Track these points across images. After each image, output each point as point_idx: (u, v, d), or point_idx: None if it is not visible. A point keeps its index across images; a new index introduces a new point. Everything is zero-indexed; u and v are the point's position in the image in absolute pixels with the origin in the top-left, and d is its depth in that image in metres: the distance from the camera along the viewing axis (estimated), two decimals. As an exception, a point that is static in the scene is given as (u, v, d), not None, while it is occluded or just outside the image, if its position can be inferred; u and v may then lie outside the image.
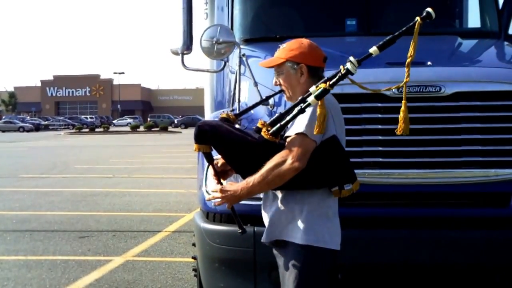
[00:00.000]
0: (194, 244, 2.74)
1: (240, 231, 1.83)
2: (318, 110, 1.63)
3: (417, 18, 1.64)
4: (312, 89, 1.67)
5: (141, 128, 39.68)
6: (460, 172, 2.25)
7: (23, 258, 4.24)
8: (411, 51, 1.65)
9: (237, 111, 2.29)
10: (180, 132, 34.32)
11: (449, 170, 2.26)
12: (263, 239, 1.82)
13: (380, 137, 2.26)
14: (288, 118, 1.69)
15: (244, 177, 1.74)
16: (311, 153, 1.66)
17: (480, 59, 2.86)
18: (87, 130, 38.24)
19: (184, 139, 22.94)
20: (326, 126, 1.67)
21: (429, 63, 2.27)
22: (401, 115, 1.73)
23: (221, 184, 1.82)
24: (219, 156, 1.86)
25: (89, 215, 5.94)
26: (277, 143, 1.70)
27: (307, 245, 1.72)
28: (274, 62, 1.82)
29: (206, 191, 2.39)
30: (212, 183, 2.03)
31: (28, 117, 50.89)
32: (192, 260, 3.14)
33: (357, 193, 1.83)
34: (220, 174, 1.86)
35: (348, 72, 1.65)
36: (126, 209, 6.34)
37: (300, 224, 1.73)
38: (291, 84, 1.79)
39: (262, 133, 1.71)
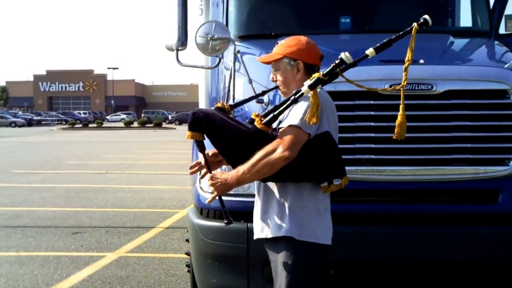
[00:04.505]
0: (187, 240, 2.75)
1: (225, 221, 1.83)
2: (311, 100, 1.65)
3: (414, 24, 1.67)
4: (307, 82, 1.69)
5: (135, 124, 39.46)
6: (450, 169, 2.29)
7: (15, 254, 4.22)
8: (408, 55, 1.68)
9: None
10: (174, 129, 34.20)
11: (440, 167, 2.29)
12: (255, 236, 1.83)
13: (372, 135, 2.28)
14: (281, 108, 1.71)
15: (235, 168, 1.75)
16: (303, 145, 1.67)
17: (471, 58, 2.89)
18: (80, 125, 37.95)
19: (178, 136, 22.86)
20: (320, 120, 1.69)
21: (421, 61, 2.30)
22: (398, 119, 1.75)
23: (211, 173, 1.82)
24: (212, 148, 1.87)
25: (82, 211, 5.92)
26: (269, 134, 1.72)
27: (299, 240, 1.74)
28: (272, 58, 1.84)
29: (200, 187, 2.40)
30: (205, 179, 2.04)
31: (20, 112, 50.27)
32: (186, 256, 3.16)
33: (349, 190, 1.85)
34: (211, 164, 1.86)
35: (342, 61, 1.67)
36: (120, 205, 6.33)
37: (291, 219, 1.75)
38: (287, 80, 1.81)
39: (255, 123, 1.72)
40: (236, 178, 1.71)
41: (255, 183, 1.86)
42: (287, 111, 1.73)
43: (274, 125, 1.75)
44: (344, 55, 1.67)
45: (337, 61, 1.68)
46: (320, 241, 1.76)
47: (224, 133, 1.75)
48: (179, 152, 13.41)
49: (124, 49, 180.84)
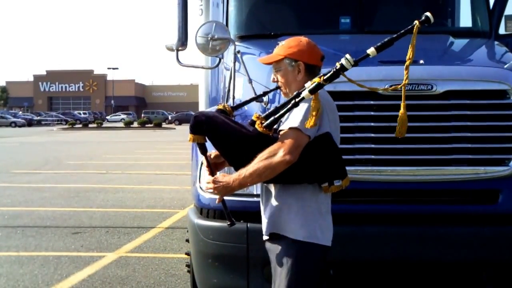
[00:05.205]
0: (187, 240, 2.75)
1: (228, 223, 1.84)
2: (312, 104, 1.65)
3: (416, 21, 1.66)
4: (307, 85, 1.69)
5: (135, 124, 39.50)
6: (450, 170, 2.29)
7: (15, 254, 4.22)
8: (409, 53, 1.68)
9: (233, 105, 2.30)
10: (174, 129, 34.21)
11: (440, 167, 2.29)
12: (264, 237, 1.83)
13: (372, 135, 2.28)
14: (282, 111, 1.71)
15: (237, 170, 1.76)
16: (304, 147, 1.68)
17: (471, 58, 2.90)
18: (80, 125, 37.97)
19: (178, 136, 22.87)
20: (321, 122, 1.69)
21: (421, 61, 2.30)
22: (400, 117, 1.75)
23: (213, 176, 1.83)
24: (214, 150, 1.88)
25: (82, 211, 5.92)
26: (270, 136, 1.72)
27: (299, 241, 1.74)
28: (273, 59, 1.85)
29: (200, 188, 2.40)
30: (205, 178, 2.04)
31: (20, 112, 50.30)
32: (186, 256, 3.16)
33: (349, 190, 1.85)
34: (213, 166, 1.87)
35: (342, 67, 1.67)
36: (120, 205, 6.33)
37: (292, 219, 1.75)
38: (288, 81, 1.81)
39: (256, 126, 1.73)
40: (238, 181, 1.71)
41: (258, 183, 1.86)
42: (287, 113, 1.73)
43: (275, 126, 1.76)
44: (345, 61, 1.65)
45: (338, 67, 1.67)
46: (320, 241, 1.76)
47: (226, 136, 1.76)
48: (179, 152, 13.42)
49: (124, 49, 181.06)
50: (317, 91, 1.67)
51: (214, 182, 1.77)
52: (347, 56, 1.66)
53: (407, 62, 1.68)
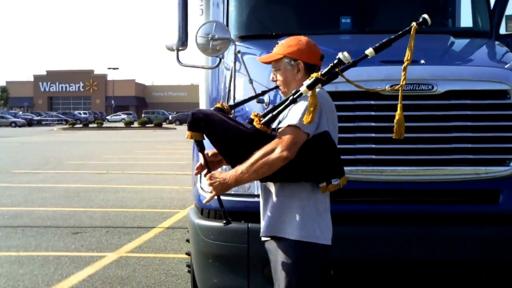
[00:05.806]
0: (188, 240, 2.75)
1: (224, 221, 1.83)
2: (309, 100, 1.65)
3: (413, 23, 1.67)
4: (306, 82, 1.70)
5: (135, 124, 39.54)
6: (451, 170, 2.29)
7: (15, 254, 4.22)
8: (408, 55, 1.68)
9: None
10: (175, 129, 34.23)
11: (441, 167, 2.29)
12: (261, 235, 1.83)
13: (373, 135, 2.28)
14: (280, 108, 1.71)
15: (234, 168, 1.75)
16: (302, 145, 1.68)
17: (472, 58, 2.90)
18: (80, 125, 38.01)
19: (178, 136, 22.87)
20: (319, 120, 1.69)
21: (422, 61, 2.30)
22: (396, 118, 1.75)
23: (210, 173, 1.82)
24: (212, 148, 1.88)
25: (82, 211, 5.92)
26: (268, 134, 1.72)
27: (298, 241, 1.74)
28: (272, 58, 1.85)
29: (201, 188, 2.40)
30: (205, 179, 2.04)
31: (21, 112, 50.32)
32: (186, 256, 3.16)
33: (350, 190, 1.86)
34: (211, 164, 1.86)
35: (340, 62, 1.67)
36: (120, 205, 6.33)
37: (291, 219, 1.75)
38: (288, 80, 1.81)
39: (254, 123, 1.73)
40: (234, 178, 1.71)
41: (257, 183, 1.86)
42: (286, 110, 1.73)
43: (274, 124, 1.76)
44: (342, 55, 1.67)
45: (335, 61, 1.68)
46: (320, 241, 1.76)
47: (223, 133, 1.76)
48: (179, 152, 13.42)
49: (124, 49, 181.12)
50: (315, 87, 1.67)
51: (210, 178, 1.76)
52: (345, 53, 1.67)
53: (405, 64, 1.69)
